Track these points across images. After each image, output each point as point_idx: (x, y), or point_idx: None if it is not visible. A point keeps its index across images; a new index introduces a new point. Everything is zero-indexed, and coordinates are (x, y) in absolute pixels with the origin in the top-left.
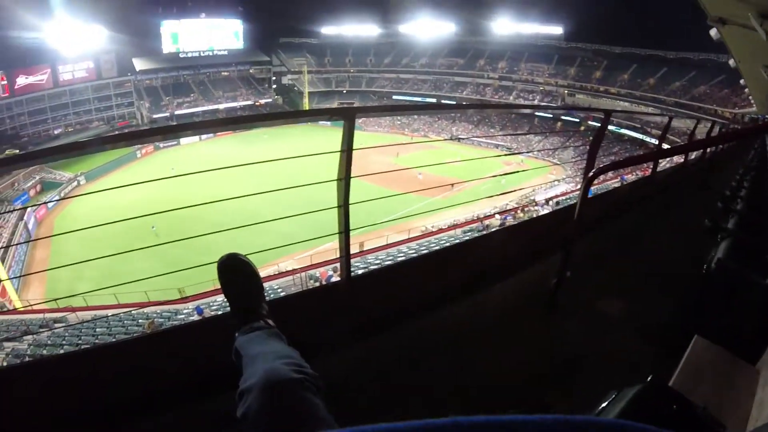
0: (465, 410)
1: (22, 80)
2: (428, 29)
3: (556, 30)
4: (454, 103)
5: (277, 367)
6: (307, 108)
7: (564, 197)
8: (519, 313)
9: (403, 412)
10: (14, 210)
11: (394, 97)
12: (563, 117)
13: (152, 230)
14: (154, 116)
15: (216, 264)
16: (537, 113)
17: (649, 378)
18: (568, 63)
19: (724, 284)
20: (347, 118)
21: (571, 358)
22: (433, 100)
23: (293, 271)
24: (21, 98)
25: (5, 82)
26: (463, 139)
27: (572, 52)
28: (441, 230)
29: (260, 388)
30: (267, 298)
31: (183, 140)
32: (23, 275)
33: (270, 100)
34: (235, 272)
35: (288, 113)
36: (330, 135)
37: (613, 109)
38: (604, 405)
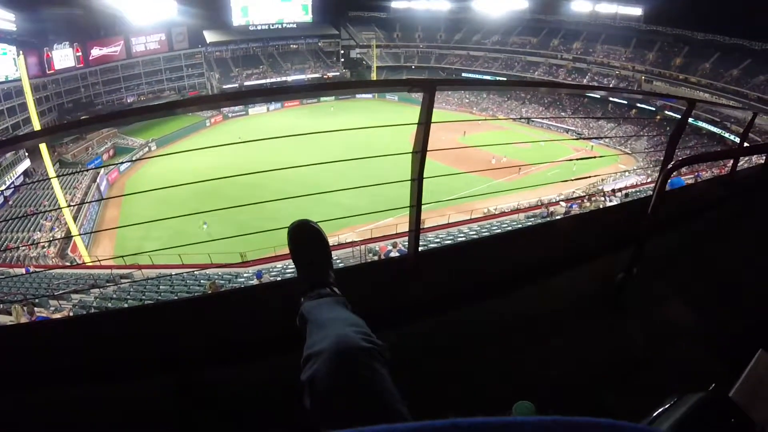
0: (509, 403)
1: (96, 51)
2: (501, 5)
3: (636, 11)
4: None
5: (349, 334)
6: None
7: (633, 189)
8: (579, 307)
9: (445, 394)
10: (87, 171)
11: (464, 74)
12: (638, 104)
13: (203, 228)
14: (224, 87)
15: (287, 229)
16: (611, 98)
17: (712, 387)
18: (647, 47)
19: None
20: (427, 90)
21: (630, 360)
22: (504, 80)
23: (352, 243)
24: (95, 68)
25: (80, 54)
26: (532, 120)
27: (651, 36)
28: (504, 213)
29: (330, 353)
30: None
31: (251, 110)
32: (94, 232)
33: (338, 73)
34: (306, 238)
35: (366, 82)
36: (396, 110)
37: (698, 99)
38: (661, 410)
